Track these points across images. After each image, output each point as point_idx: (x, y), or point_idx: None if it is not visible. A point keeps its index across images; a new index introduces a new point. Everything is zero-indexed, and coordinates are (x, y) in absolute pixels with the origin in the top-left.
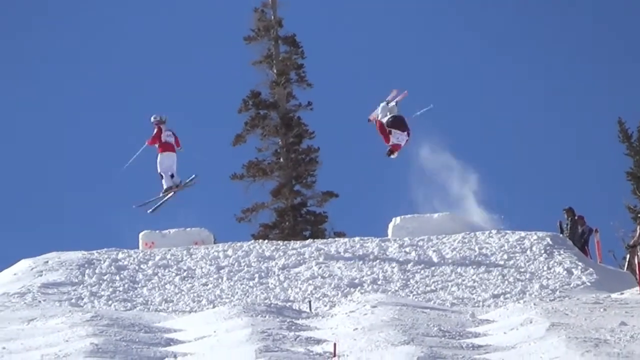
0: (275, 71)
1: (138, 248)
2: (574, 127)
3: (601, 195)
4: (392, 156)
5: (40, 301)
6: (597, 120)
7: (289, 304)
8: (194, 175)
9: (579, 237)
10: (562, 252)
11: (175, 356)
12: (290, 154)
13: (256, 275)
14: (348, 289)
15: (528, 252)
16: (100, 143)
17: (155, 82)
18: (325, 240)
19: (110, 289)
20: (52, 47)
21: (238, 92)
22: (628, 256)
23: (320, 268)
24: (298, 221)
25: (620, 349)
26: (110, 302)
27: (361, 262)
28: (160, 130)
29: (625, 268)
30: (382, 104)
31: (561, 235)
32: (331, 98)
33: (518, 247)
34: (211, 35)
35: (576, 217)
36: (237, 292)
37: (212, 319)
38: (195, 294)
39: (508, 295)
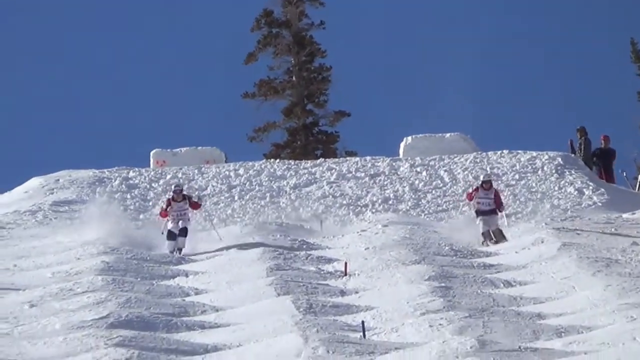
0: None
1: (149, 166)
2: (587, 48)
3: (613, 116)
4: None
5: (51, 219)
6: (609, 40)
7: (300, 223)
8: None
9: (604, 157)
10: (573, 172)
11: (187, 274)
12: (302, 73)
13: (267, 194)
14: (359, 208)
15: (539, 172)
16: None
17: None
18: (336, 160)
19: (122, 207)
20: None
21: (251, 10)
22: (639, 176)
23: (331, 187)
24: (310, 140)
25: (631, 269)
26: (121, 220)
27: (372, 181)
28: (168, 204)
29: (637, 188)
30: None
31: (573, 154)
32: (343, 17)
33: (529, 167)
34: None
35: (602, 138)
36: (248, 211)
37: (223, 237)
38: (206, 213)
39: (519, 215)
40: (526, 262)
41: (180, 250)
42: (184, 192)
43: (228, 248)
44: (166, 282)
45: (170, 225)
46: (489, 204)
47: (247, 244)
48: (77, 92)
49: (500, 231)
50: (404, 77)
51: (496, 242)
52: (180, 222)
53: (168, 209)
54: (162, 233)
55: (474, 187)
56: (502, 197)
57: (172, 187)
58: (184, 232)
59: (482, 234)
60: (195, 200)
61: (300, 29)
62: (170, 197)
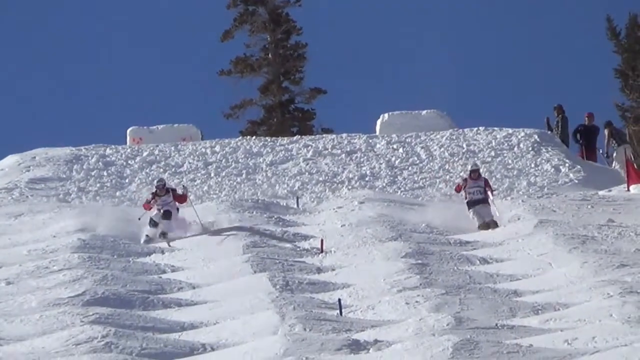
0: None
1: (126, 144)
2: (563, 24)
3: (590, 93)
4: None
5: (27, 196)
6: (585, 17)
7: (277, 200)
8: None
9: (587, 134)
10: (549, 149)
11: (162, 251)
12: (278, 50)
13: (244, 171)
14: (335, 185)
15: (515, 149)
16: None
17: None
18: (313, 137)
19: (98, 185)
20: None
21: None
22: (615, 153)
23: (307, 164)
24: (286, 118)
25: (607, 245)
26: (97, 197)
27: (349, 158)
28: (153, 197)
29: (613, 165)
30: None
31: (549, 132)
32: None
33: (506, 144)
34: None
35: (586, 116)
36: (224, 188)
37: (199, 215)
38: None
39: (496, 192)
40: (502, 239)
41: (164, 234)
42: (167, 186)
43: (206, 231)
44: (142, 260)
45: (153, 213)
46: (479, 192)
47: (223, 221)
48: (53, 68)
49: (494, 222)
50: (380, 53)
51: (484, 219)
52: (164, 208)
53: (152, 202)
54: (139, 219)
55: (463, 178)
56: (491, 185)
57: (155, 182)
58: (167, 214)
59: (478, 227)
60: (180, 192)
61: (276, 6)
62: (154, 191)
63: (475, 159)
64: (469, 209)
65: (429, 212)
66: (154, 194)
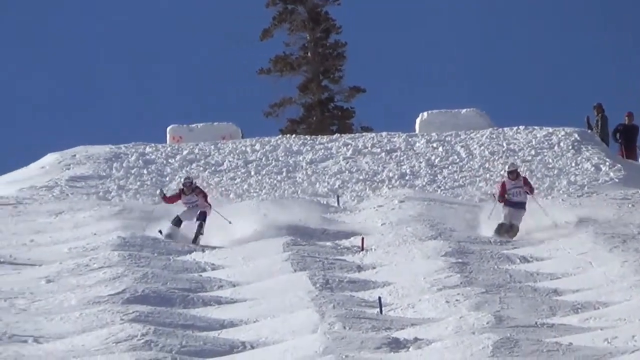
0: None
1: (166, 142)
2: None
3: (631, 92)
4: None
5: (68, 194)
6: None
7: (317, 198)
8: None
9: (626, 133)
10: (589, 148)
11: (203, 250)
12: (317, 49)
13: (284, 169)
14: (376, 183)
15: (556, 147)
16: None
17: None
18: (352, 135)
19: (138, 183)
20: None
21: None
22: None
23: (347, 163)
24: (325, 116)
25: None
26: (137, 195)
27: (389, 157)
28: (179, 196)
29: None
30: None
31: (589, 131)
32: None
33: (546, 143)
34: None
35: (626, 115)
36: (265, 187)
37: (240, 212)
38: (223, 188)
39: (536, 192)
40: (543, 237)
41: (196, 238)
42: (195, 184)
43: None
44: (182, 258)
45: (180, 214)
46: (519, 192)
47: (263, 220)
48: (94, 66)
49: (517, 228)
50: (419, 52)
51: (508, 236)
52: (194, 209)
53: (174, 198)
54: (160, 232)
55: (501, 182)
56: (530, 182)
57: (182, 179)
58: (202, 215)
59: (500, 224)
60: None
61: (315, 4)
62: (180, 189)
63: (515, 157)
64: (504, 205)
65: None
66: (181, 191)
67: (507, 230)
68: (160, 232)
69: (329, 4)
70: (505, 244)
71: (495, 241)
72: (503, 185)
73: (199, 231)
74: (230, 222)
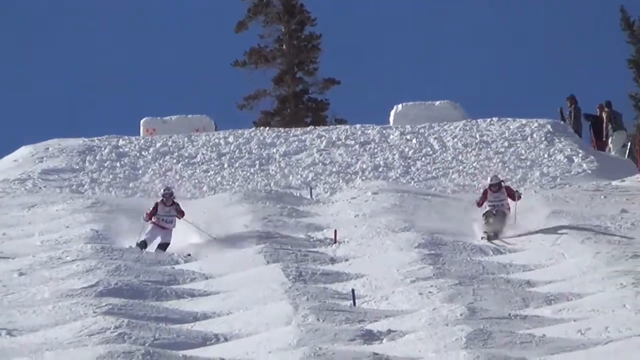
0: None
1: (139, 135)
2: (576, 15)
3: (604, 84)
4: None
5: (40, 187)
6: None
7: (290, 190)
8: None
9: (599, 125)
10: (562, 139)
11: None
12: (292, 41)
13: (257, 162)
14: (349, 175)
15: (529, 139)
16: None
17: None
18: (326, 127)
19: (111, 176)
20: None
21: None
22: (629, 144)
23: (321, 155)
24: (300, 108)
25: (620, 236)
26: (110, 188)
27: (362, 149)
28: (155, 209)
29: (626, 156)
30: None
31: (562, 122)
32: None
33: (519, 135)
34: None
35: (598, 107)
36: (238, 179)
37: (213, 205)
38: (196, 181)
39: (509, 183)
40: (515, 229)
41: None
42: (174, 197)
43: (217, 216)
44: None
45: (146, 234)
46: (501, 205)
47: (236, 212)
48: (67, 59)
49: (497, 236)
50: (393, 44)
51: (494, 228)
52: (160, 236)
53: (151, 212)
54: (137, 244)
55: (482, 192)
56: (513, 189)
57: (162, 190)
58: (163, 247)
59: (485, 212)
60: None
61: None
62: (160, 200)
63: (489, 149)
64: (484, 215)
65: (442, 203)
66: (158, 204)
67: (494, 217)
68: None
69: None
70: (477, 235)
71: (468, 232)
72: (485, 193)
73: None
74: (214, 238)
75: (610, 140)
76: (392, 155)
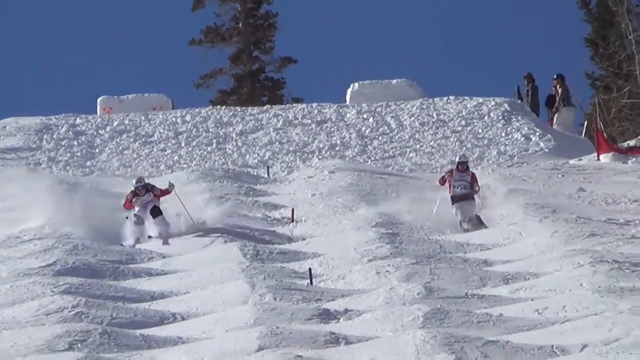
0: None
1: (96, 113)
2: None
3: (561, 62)
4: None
5: None
6: None
7: (247, 169)
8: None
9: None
10: (520, 118)
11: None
12: (248, 20)
13: (214, 140)
14: (306, 154)
15: (486, 118)
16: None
17: None
18: (283, 106)
19: (68, 154)
20: None
21: None
22: (586, 122)
23: (278, 134)
24: (256, 87)
25: (577, 215)
26: (68, 167)
27: (319, 128)
28: (133, 196)
29: (583, 134)
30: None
31: (520, 101)
32: None
33: (476, 113)
34: None
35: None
36: (195, 158)
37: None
38: (153, 159)
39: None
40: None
41: (165, 240)
42: (147, 184)
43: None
44: (112, 230)
45: (136, 210)
46: (465, 186)
47: (193, 190)
48: (23, 36)
49: (479, 218)
50: (350, 23)
51: (475, 229)
52: (148, 205)
53: (133, 201)
54: (127, 218)
55: (448, 170)
56: (478, 180)
57: (134, 182)
58: (156, 211)
59: (460, 223)
60: (164, 188)
61: None
62: (133, 190)
63: (445, 128)
64: (452, 203)
65: (399, 182)
66: (133, 193)
67: (468, 223)
68: (127, 217)
69: None
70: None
71: (426, 211)
72: (450, 172)
73: (161, 225)
74: (205, 222)
75: (556, 115)
76: (349, 134)
